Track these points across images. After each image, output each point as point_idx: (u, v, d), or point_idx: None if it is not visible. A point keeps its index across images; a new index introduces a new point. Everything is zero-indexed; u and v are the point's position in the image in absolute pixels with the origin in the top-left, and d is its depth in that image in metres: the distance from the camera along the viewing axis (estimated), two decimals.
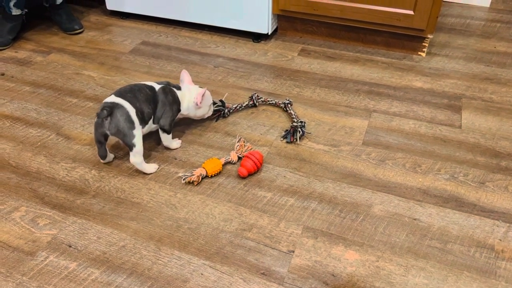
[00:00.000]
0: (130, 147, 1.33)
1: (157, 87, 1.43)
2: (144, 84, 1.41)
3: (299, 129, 1.53)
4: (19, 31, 2.16)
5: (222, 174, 1.42)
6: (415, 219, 1.27)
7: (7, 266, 1.14)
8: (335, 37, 2.14)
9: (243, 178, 1.39)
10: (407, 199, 1.33)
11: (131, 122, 1.31)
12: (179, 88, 1.48)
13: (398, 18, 1.89)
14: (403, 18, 1.89)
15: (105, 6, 2.33)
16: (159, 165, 1.44)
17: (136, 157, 1.36)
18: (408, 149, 1.51)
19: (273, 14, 2.09)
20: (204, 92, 1.48)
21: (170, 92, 1.44)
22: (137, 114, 1.33)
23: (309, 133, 1.56)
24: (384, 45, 2.07)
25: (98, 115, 1.29)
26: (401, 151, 1.50)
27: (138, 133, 1.33)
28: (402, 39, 2.02)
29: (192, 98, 1.48)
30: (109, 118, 1.29)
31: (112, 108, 1.29)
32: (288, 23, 2.18)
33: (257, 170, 1.41)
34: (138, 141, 1.33)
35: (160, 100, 1.41)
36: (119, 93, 1.34)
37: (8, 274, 1.12)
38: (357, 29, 2.06)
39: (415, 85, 1.84)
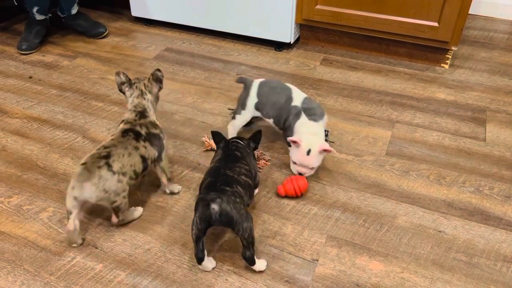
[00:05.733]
0: None
1: None
2: None
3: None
4: (45, 35, 2.21)
5: None
6: (440, 231, 1.26)
7: (35, 265, 1.16)
8: (358, 47, 2.14)
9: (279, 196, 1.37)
10: (431, 211, 1.32)
11: None
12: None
13: (422, 29, 1.89)
14: (427, 29, 1.89)
15: (130, 13, 2.37)
16: (184, 171, 1.45)
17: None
18: (432, 161, 1.51)
19: (296, 23, 2.11)
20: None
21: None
22: None
23: (333, 142, 1.56)
24: (407, 56, 2.07)
25: None
26: (425, 163, 1.50)
27: None
28: (426, 50, 2.02)
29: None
30: None
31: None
32: (310, 32, 2.19)
33: (296, 197, 1.36)
34: None
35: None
36: None
37: (36, 274, 1.14)
38: (380, 40, 2.06)
39: (438, 96, 1.84)
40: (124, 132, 1.23)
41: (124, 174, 1.17)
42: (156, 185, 1.40)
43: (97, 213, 1.30)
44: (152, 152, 1.26)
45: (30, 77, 1.94)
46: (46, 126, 1.65)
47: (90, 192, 1.12)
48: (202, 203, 1.08)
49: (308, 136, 1.33)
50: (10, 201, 1.34)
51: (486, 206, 1.34)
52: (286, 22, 2.07)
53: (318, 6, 2.02)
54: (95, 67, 2.02)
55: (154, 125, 1.30)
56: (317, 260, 1.17)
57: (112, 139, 1.22)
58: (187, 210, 1.32)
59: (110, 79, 1.93)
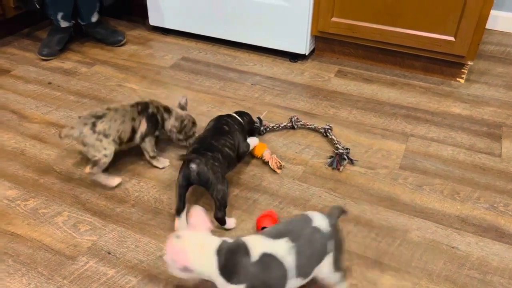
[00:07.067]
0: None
1: None
2: None
3: (345, 156, 1.53)
4: (66, 43, 2.25)
5: (257, 190, 1.43)
6: (453, 247, 1.25)
7: (49, 268, 1.18)
8: (372, 60, 2.15)
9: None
10: (445, 226, 1.31)
11: None
12: None
13: (438, 43, 1.89)
14: (443, 44, 1.88)
15: (148, 22, 2.41)
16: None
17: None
18: (446, 176, 1.49)
19: (312, 35, 2.12)
20: None
21: None
22: None
23: (357, 160, 1.55)
24: (422, 70, 2.07)
25: None
26: (439, 177, 1.49)
27: None
28: (441, 64, 2.01)
29: None
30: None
31: None
32: (325, 44, 2.20)
33: None
34: None
35: None
36: None
37: (49, 277, 1.16)
38: (395, 53, 2.06)
39: (454, 111, 1.83)
40: (136, 104, 1.44)
41: (106, 135, 1.36)
42: (168, 191, 1.41)
43: (110, 219, 1.32)
44: (143, 128, 1.43)
45: (49, 83, 1.99)
46: None
47: (74, 138, 1.36)
48: (185, 163, 1.24)
49: None
50: (26, 204, 1.37)
51: (500, 223, 1.32)
52: (301, 34, 2.09)
53: (334, 19, 2.03)
54: (112, 75, 2.06)
55: (168, 110, 1.48)
56: None
57: (122, 105, 1.43)
58: None
59: (127, 87, 1.97)
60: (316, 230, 0.98)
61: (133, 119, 1.41)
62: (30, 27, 2.47)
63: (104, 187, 1.42)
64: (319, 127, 1.68)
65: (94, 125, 1.35)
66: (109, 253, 1.22)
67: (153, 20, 2.39)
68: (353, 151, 1.58)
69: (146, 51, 2.27)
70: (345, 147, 1.56)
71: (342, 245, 1.04)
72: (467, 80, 2.03)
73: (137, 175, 1.49)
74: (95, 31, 2.29)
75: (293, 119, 1.70)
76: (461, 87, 1.99)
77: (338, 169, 1.51)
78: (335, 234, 1.01)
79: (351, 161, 1.53)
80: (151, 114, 1.45)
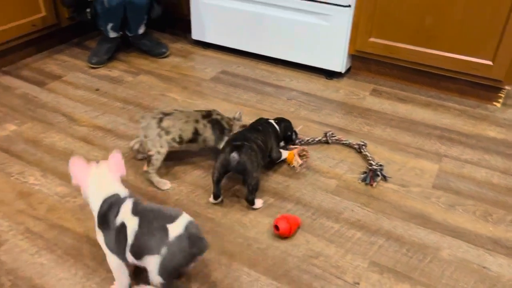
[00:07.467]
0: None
1: None
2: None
3: (379, 172, 1.57)
4: (113, 52, 2.39)
5: (289, 200, 1.48)
6: (484, 267, 1.26)
7: (95, 261, 1.26)
8: (408, 80, 2.18)
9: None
10: (476, 247, 1.32)
11: None
12: None
13: (475, 67, 1.91)
14: (481, 67, 1.90)
15: (190, 36, 2.53)
16: (233, 185, 1.53)
17: None
18: (479, 197, 1.51)
19: (349, 54, 2.18)
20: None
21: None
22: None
23: (390, 177, 1.58)
24: (458, 92, 2.08)
25: None
26: (472, 199, 1.50)
27: None
28: (478, 87, 2.02)
29: None
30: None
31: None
32: (362, 63, 2.25)
33: (289, 235, 1.34)
34: None
35: None
36: None
37: (95, 269, 1.24)
38: (431, 74, 2.09)
39: (489, 134, 1.84)
40: (201, 110, 1.59)
41: (168, 132, 1.49)
42: (207, 196, 1.48)
43: None
44: (208, 133, 1.55)
45: (97, 90, 2.11)
46: (110, 135, 1.79)
47: (141, 127, 1.49)
48: (225, 151, 1.37)
49: None
50: (75, 201, 1.46)
51: None
52: (338, 52, 2.15)
53: (371, 39, 2.08)
54: (156, 84, 2.17)
55: (228, 123, 1.60)
56: (359, 284, 1.20)
57: (194, 110, 1.59)
58: (235, 223, 1.39)
59: (169, 96, 2.07)
60: (164, 228, 1.05)
61: (197, 121, 1.54)
62: (80, 36, 2.62)
63: (156, 187, 1.52)
64: (353, 143, 1.72)
65: (161, 120, 1.49)
66: None
67: (195, 35, 2.51)
68: (386, 168, 1.62)
69: (187, 63, 2.38)
70: (378, 163, 1.59)
71: (176, 259, 1.04)
72: (503, 104, 2.04)
73: (178, 179, 1.56)
74: (141, 42, 2.41)
75: (327, 134, 1.75)
76: (497, 111, 1.99)
77: (372, 185, 1.54)
78: (176, 245, 1.04)
79: (385, 178, 1.56)
80: (215, 120, 1.57)
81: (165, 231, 1.04)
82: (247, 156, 1.36)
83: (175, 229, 1.05)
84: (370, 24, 2.05)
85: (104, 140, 1.75)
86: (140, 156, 1.63)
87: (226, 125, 1.58)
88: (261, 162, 1.45)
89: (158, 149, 1.49)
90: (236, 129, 1.61)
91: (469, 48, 1.90)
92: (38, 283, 1.19)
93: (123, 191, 1.15)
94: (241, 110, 1.70)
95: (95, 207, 1.12)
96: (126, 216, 1.08)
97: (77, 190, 1.49)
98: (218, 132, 1.56)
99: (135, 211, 1.09)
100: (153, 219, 1.07)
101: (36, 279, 1.21)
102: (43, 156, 1.65)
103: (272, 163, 1.61)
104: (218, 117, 1.59)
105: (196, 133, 1.53)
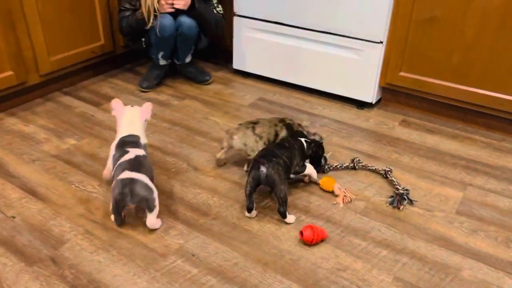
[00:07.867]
0: None
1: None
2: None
3: (405, 196, 1.68)
4: (162, 78, 2.61)
5: (320, 218, 1.61)
6: None
7: (145, 262, 1.41)
8: (436, 113, 2.29)
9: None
10: (497, 269, 1.40)
11: None
12: None
13: (501, 102, 2.01)
14: (507, 103, 2.00)
15: (231, 65, 2.74)
16: (267, 202, 1.68)
17: None
18: (502, 225, 1.59)
19: (379, 86, 2.32)
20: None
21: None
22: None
23: (416, 201, 1.69)
24: (485, 126, 2.18)
25: None
26: (494, 225, 1.59)
27: None
28: (504, 122, 2.12)
29: None
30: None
31: None
32: (392, 95, 2.38)
33: (311, 243, 1.48)
34: None
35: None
36: None
37: (145, 268, 1.39)
38: (458, 108, 2.20)
39: None
40: (279, 118, 1.90)
41: (261, 137, 1.77)
42: (243, 209, 1.62)
43: (195, 228, 1.55)
44: (283, 134, 1.83)
45: None
46: (158, 152, 1.97)
47: (236, 142, 1.75)
48: (254, 167, 1.52)
49: None
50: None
51: None
52: (370, 84, 2.29)
53: (401, 73, 2.22)
54: (199, 108, 2.36)
55: (297, 127, 1.88)
56: None
57: (267, 118, 1.88)
58: (269, 236, 1.52)
59: (211, 120, 2.25)
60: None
61: (276, 125, 1.83)
62: (132, 63, 2.88)
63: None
64: (379, 169, 1.84)
65: (254, 128, 1.77)
66: (193, 255, 1.44)
67: (236, 64, 2.72)
68: (412, 194, 1.72)
69: (228, 90, 2.58)
70: (405, 187, 1.70)
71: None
72: None
73: (218, 194, 1.72)
74: (187, 70, 2.64)
75: (355, 160, 1.88)
76: None
77: (399, 208, 1.65)
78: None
79: (411, 202, 1.67)
80: (288, 124, 1.86)
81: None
82: (274, 170, 1.51)
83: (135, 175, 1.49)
84: (401, 59, 2.19)
85: (153, 156, 1.94)
86: (221, 162, 1.88)
87: (295, 128, 1.86)
88: (285, 176, 1.57)
89: (256, 153, 1.70)
90: (305, 133, 1.89)
91: (496, 84, 2.01)
92: (96, 277, 1.36)
93: (143, 137, 1.64)
94: (314, 120, 1.95)
95: (119, 135, 1.62)
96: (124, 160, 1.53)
97: None
98: (290, 133, 1.83)
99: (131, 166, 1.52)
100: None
101: (94, 274, 1.37)
102: (100, 168, 1.85)
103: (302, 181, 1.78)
104: (290, 122, 1.87)
105: (276, 134, 1.81)
